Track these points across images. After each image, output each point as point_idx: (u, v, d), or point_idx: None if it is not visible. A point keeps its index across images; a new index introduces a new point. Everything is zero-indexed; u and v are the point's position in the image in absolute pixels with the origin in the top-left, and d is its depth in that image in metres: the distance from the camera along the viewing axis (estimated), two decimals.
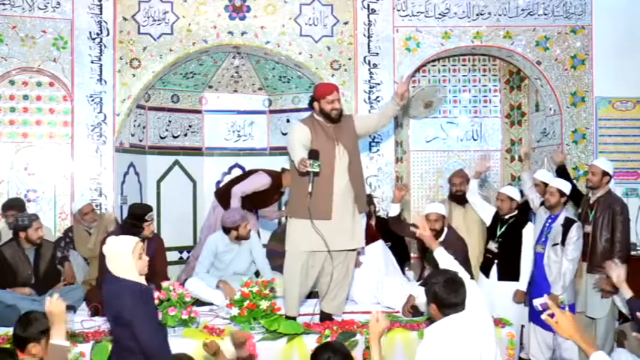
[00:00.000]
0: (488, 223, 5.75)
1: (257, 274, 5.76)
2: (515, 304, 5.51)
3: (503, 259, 5.53)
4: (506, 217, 5.61)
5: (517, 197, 5.71)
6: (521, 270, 5.48)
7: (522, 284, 5.47)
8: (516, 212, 5.66)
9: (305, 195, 4.46)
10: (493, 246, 5.60)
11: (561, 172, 6.28)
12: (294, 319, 4.81)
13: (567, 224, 5.35)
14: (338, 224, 4.64)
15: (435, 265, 5.19)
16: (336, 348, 3.15)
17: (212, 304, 5.43)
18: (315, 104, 4.70)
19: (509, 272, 5.50)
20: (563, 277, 5.28)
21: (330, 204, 4.60)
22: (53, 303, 3.29)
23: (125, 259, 3.53)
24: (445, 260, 3.91)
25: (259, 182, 6.62)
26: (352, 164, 4.72)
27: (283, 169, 6.63)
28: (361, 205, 4.81)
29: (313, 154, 4.44)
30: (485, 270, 5.64)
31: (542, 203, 5.79)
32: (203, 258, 5.69)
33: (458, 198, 6.13)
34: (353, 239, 4.78)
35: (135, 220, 5.37)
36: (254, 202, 6.71)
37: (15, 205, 6.23)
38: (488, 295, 5.50)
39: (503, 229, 5.58)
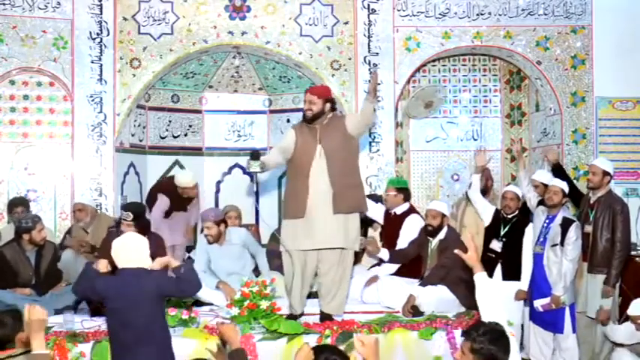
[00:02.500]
0: (487, 222, 5.74)
1: (257, 274, 5.75)
2: (517, 304, 5.53)
3: (508, 258, 5.53)
4: (510, 216, 5.61)
5: (521, 196, 5.74)
6: (522, 269, 5.49)
7: (524, 283, 5.48)
8: (517, 212, 5.67)
9: (289, 196, 4.81)
10: (497, 245, 5.58)
11: (557, 170, 6.28)
12: (296, 317, 4.82)
13: (566, 224, 5.34)
14: (318, 224, 4.70)
15: (442, 265, 5.21)
16: (334, 349, 3.14)
17: (212, 304, 5.42)
18: None
19: (514, 272, 5.50)
20: (563, 278, 5.27)
21: (304, 203, 4.71)
22: (33, 311, 3.10)
23: (144, 253, 3.86)
24: (484, 287, 3.48)
25: (161, 202, 6.57)
26: (333, 165, 4.73)
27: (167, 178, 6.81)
28: (340, 205, 4.73)
29: (254, 155, 4.79)
30: (488, 270, 5.53)
31: (539, 203, 5.78)
32: (198, 255, 5.69)
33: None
34: (332, 239, 4.75)
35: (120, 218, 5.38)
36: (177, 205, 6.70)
37: (20, 203, 6.26)
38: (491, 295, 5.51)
39: (507, 229, 5.59)
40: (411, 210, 5.96)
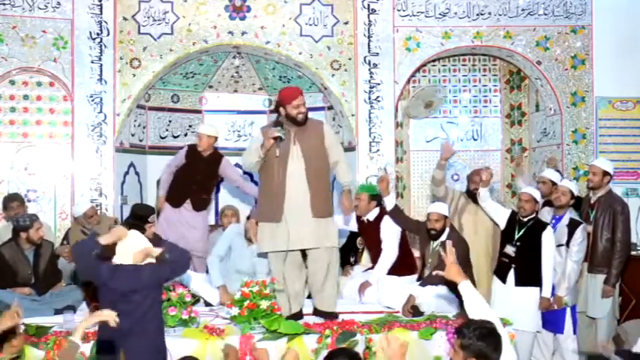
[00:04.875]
0: (502, 226, 5.45)
1: None
2: (533, 311, 5.23)
3: (521, 263, 5.23)
4: (525, 219, 5.31)
5: (539, 199, 5.44)
6: (543, 276, 5.19)
7: (546, 291, 5.19)
8: (535, 215, 5.36)
9: (265, 199, 4.77)
10: (510, 250, 5.29)
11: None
12: (295, 316, 4.83)
13: (572, 225, 5.32)
14: (294, 226, 4.72)
15: (437, 266, 5.18)
16: (352, 354, 3.12)
17: (208, 301, 5.46)
18: (281, 109, 4.78)
19: (528, 277, 5.21)
20: (567, 279, 5.26)
21: (281, 206, 4.71)
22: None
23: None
24: (471, 296, 3.41)
25: (180, 153, 6.46)
26: (310, 167, 4.73)
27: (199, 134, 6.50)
28: (318, 209, 4.75)
29: (278, 124, 4.72)
30: (502, 274, 5.34)
31: (544, 204, 5.76)
32: (222, 241, 5.69)
33: (474, 196, 5.86)
34: (310, 240, 4.78)
35: (137, 221, 5.37)
36: (195, 180, 6.40)
37: (15, 198, 6.26)
38: (505, 301, 5.23)
39: (521, 233, 5.29)
40: (383, 213, 5.79)
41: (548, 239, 5.21)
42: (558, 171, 6.35)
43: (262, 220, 4.86)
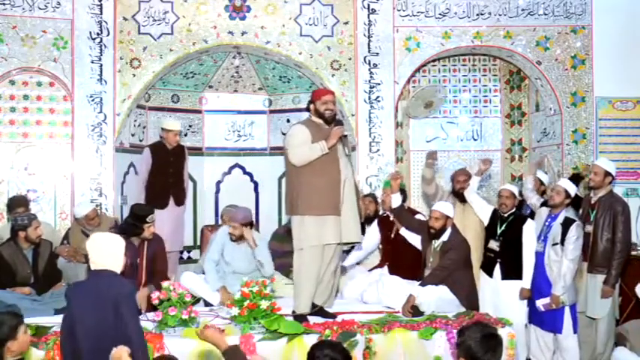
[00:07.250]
0: (486, 222, 5.68)
1: None
2: (520, 303, 5.46)
3: (506, 257, 5.47)
4: (506, 214, 5.56)
5: (517, 194, 5.69)
6: (524, 267, 5.42)
7: (526, 282, 5.40)
8: (515, 210, 5.61)
9: (319, 192, 4.75)
10: (494, 245, 5.53)
11: (575, 180, 6.29)
12: (304, 317, 4.84)
13: (567, 223, 5.34)
14: (348, 218, 4.87)
15: (443, 267, 5.19)
16: (333, 344, 3.14)
17: (207, 301, 5.48)
18: (312, 106, 4.99)
19: (513, 271, 5.44)
20: (563, 278, 5.26)
21: (339, 200, 4.83)
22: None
23: (119, 256, 3.66)
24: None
25: (144, 156, 6.84)
26: (352, 166, 5.01)
27: (162, 129, 6.90)
28: (359, 205, 5.04)
29: (339, 122, 4.93)
30: (488, 269, 5.57)
31: (542, 204, 5.78)
32: (215, 244, 5.71)
33: (460, 195, 6.03)
34: (359, 233, 5.03)
35: (136, 221, 5.36)
36: (170, 174, 6.83)
37: (22, 203, 6.21)
38: (493, 295, 5.51)
39: (503, 227, 5.53)
40: (409, 210, 5.94)
41: (529, 231, 5.45)
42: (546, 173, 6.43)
43: (318, 213, 4.80)
